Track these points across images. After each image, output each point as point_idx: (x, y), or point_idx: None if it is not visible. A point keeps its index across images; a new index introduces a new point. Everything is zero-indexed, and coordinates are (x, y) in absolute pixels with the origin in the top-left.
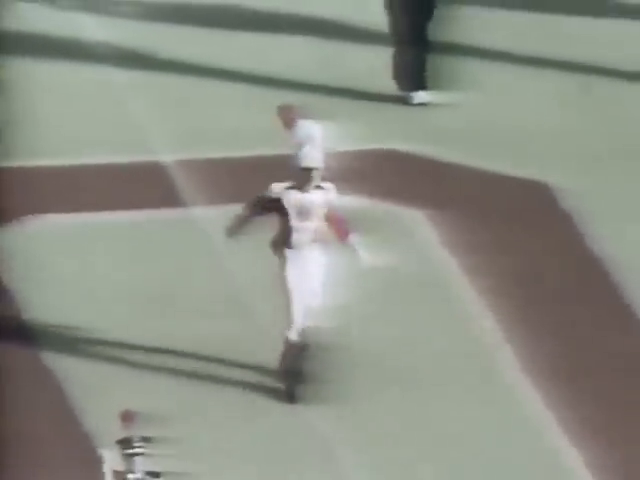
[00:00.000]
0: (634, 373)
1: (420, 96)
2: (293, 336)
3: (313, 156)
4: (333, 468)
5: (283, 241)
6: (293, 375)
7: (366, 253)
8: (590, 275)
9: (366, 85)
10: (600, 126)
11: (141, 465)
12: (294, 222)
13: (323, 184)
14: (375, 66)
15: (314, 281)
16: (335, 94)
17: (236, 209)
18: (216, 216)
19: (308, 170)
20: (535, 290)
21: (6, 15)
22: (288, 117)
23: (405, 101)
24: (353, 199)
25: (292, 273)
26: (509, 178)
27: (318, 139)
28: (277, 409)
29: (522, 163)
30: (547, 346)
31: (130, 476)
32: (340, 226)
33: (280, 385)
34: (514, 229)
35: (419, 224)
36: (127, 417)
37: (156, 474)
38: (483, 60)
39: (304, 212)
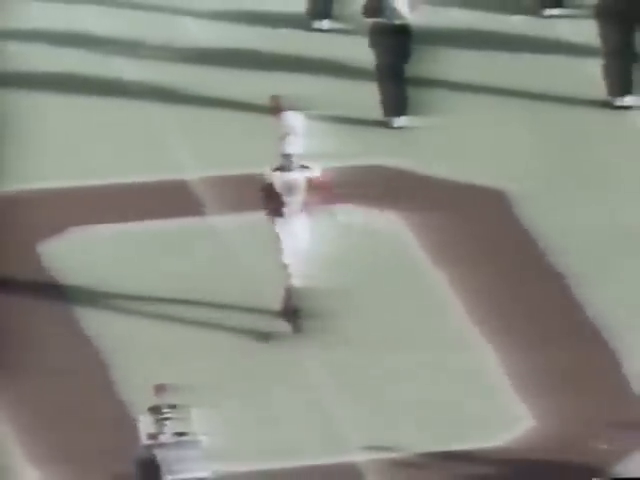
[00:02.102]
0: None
1: (400, 121)
2: (295, 283)
3: (294, 144)
4: (314, 395)
5: (275, 212)
6: (291, 315)
7: (345, 215)
8: (534, 260)
9: (356, 112)
10: (546, 144)
11: (170, 427)
12: (284, 197)
13: (306, 164)
14: (363, 97)
15: (300, 244)
16: (331, 120)
17: (249, 217)
18: (232, 222)
19: (290, 155)
20: (491, 272)
21: (61, 59)
22: (276, 106)
23: (388, 125)
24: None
25: (283, 237)
26: (472, 186)
27: (300, 128)
28: (269, 345)
29: (483, 174)
30: (502, 313)
31: (161, 437)
32: (326, 191)
33: (280, 323)
34: (475, 226)
35: (398, 224)
36: (160, 389)
37: (182, 433)
38: (452, 91)
39: (290, 188)
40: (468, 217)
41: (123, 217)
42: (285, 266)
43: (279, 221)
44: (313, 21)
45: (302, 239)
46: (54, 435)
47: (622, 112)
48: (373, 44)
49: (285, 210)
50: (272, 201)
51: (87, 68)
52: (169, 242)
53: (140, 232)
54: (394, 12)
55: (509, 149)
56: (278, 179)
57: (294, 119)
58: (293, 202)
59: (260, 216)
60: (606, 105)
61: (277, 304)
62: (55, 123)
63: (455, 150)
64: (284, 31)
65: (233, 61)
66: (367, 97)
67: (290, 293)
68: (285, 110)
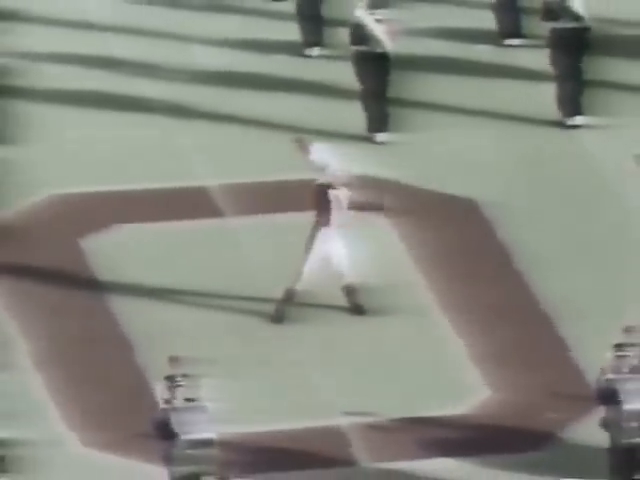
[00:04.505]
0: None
1: (382, 136)
2: (299, 287)
3: (327, 174)
4: (304, 368)
5: (323, 221)
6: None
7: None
8: (501, 260)
9: (343, 128)
10: (506, 157)
11: (181, 394)
12: (333, 209)
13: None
14: (349, 115)
15: (335, 253)
16: (323, 135)
17: (261, 218)
18: (247, 223)
19: (327, 185)
20: (459, 264)
21: (92, 80)
22: (302, 145)
23: (371, 140)
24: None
25: (319, 245)
26: (443, 194)
27: (331, 159)
28: (268, 331)
29: (454, 184)
30: (466, 300)
31: (174, 402)
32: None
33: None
34: (446, 226)
35: (382, 224)
36: (174, 360)
37: (191, 399)
38: (426, 110)
39: (337, 202)
40: (439, 219)
41: (153, 217)
42: (300, 270)
43: (323, 230)
44: (306, 48)
45: (337, 251)
46: (87, 398)
47: (572, 130)
48: (358, 69)
49: (332, 221)
50: (323, 209)
51: (114, 88)
52: (192, 239)
53: (168, 230)
54: (376, 41)
55: (475, 162)
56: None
57: (321, 151)
58: (336, 216)
59: (271, 218)
60: (559, 124)
61: (280, 294)
62: (91, 135)
63: (429, 162)
64: (280, 57)
65: (236, 82)
66: (352, 115)
67: (292, 292)
68: (309, 146)
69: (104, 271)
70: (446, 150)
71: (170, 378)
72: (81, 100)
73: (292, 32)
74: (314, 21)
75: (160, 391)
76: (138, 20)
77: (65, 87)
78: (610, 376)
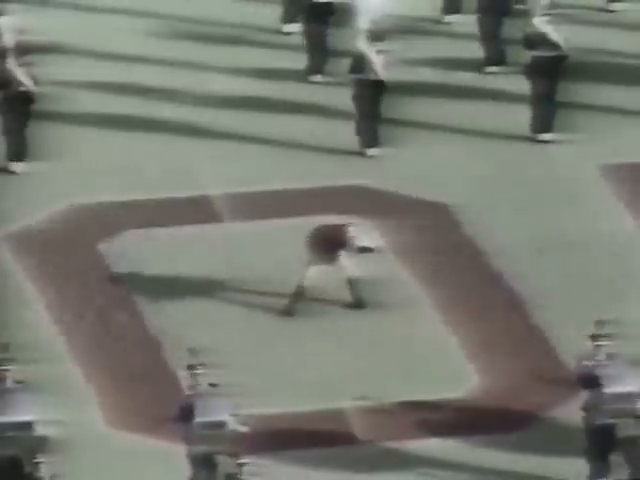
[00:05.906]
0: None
1: (373, 151)
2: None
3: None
4: (313, 356)
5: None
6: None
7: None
8: (473, 258)
9: (339, 144)
10: (485, 169)
11: (202, 381)
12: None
13: None
14: (345, 133)
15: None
16: (322, 151)
17: (258, 223)
18: (245, 227)
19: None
20: (440, 263)
21: (117, 104)
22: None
23: (363, 154)
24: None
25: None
26: (423, 201)
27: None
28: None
29: (431, 192)
30: (453, 297)
31: (198, 387)
32: None
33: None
34: (426, 229)
35: (371, 229)
36: (194, 351)
37: (213, 385)
38: (414, 129)
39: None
40: (421, 223)
41: (164, 223)
42: (306, 271)
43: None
44: (310, 76)
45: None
46: (121, 387)
47: (543, 145)
48: (355, 94)
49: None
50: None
51: (136, 111)
52: (199, 241)
53: (176, 234)
54: (372, 70)
55: (456, 173)
56: None
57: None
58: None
59: (266, 223)
60: (531, 140)
61: (281, 289)
62: (114, 152)
63: (414, 173)
64: (287, 83)
65: (248, 106)
66: (347, 133)
67: (302, 288)
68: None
69: (124, 270)
70: (429, 163)
71: (191, 367)
72: (108, 122)
73: (298, 62)
74: (320, 52)
75: (184, 378)
76: (161, 52)
77: (94, 111)
78: (588, 363)
